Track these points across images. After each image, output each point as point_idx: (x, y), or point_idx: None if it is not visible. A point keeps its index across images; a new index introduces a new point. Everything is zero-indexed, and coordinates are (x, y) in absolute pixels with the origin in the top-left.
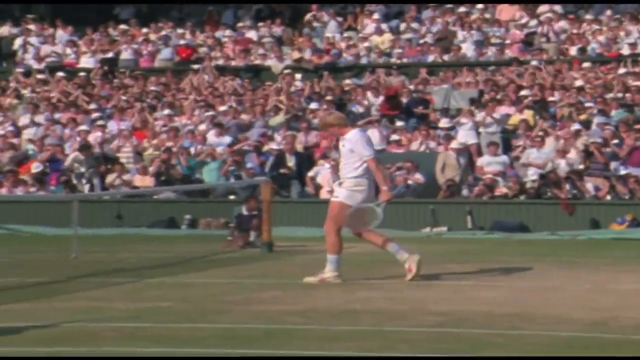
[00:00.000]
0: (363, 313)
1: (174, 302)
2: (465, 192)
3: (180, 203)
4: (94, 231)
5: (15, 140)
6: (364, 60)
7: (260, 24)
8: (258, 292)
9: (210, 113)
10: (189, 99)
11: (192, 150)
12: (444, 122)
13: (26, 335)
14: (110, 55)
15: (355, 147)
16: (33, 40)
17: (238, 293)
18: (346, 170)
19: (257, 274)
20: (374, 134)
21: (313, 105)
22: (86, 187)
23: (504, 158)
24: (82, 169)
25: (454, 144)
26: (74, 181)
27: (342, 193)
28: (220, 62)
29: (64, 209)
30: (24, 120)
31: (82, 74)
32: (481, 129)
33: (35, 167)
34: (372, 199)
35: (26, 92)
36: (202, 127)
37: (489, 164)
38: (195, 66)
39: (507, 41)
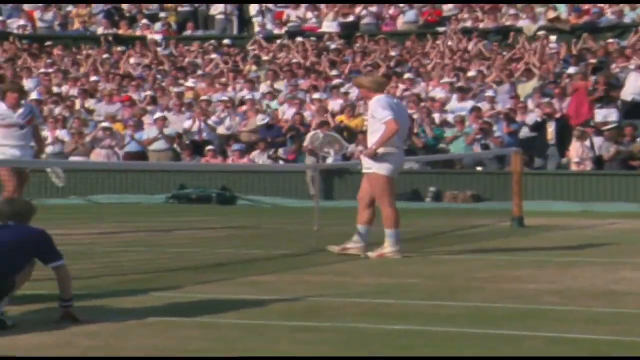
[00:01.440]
0: (627, 295)
1: (420, 278)
2: None
3: (424, 174)
4: (334, 203)
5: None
6: (627, 19)
7: None
8: (509, 269)
9: (453, 79)
10: (433, 63)
11: (436, 117)
12: None
13: (271, 308)
14: (351, 19)
15: (374, 112)
16: (271, 5)
17: (487, 270)
18: (373, 138)
19: (506, 250)
20: None
21: (571, 70)
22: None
23: None
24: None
25: None
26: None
27: (373, 164)
28: (468, 24)
29: (302, 179)
30: (264, 87)
31: (321, 38)
32: None
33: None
34: (402, 165)
35: (267, 58)
36: (443, 93)
37: None
38: (441, 29)
39: None
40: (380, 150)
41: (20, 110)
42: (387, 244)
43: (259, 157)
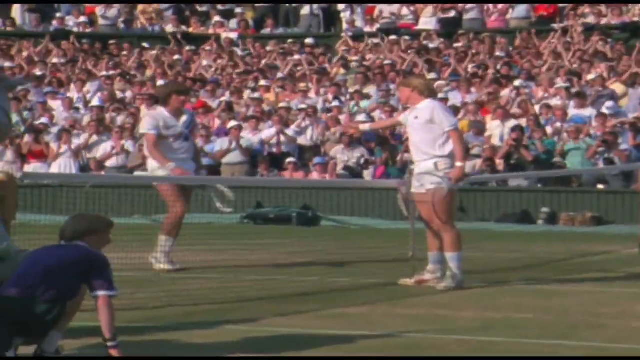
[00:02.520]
0: None
1: (532, 312)
2: None
3: (536, 193)
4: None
5: (341, 117)
6: None
7: None
8: (636, 303)
9: (566, 84)
10: (546, 65)
11: (549, 128)
12: None
13: (361, 344)
14: (452, 14)
15: (436, 117)
16: None
17: (610, 304)
18: (428, 147)
19: (633, 281)
20: None
21: None
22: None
23: None
24: None
25: None
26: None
27: (440, 178)
28: (590, 19)
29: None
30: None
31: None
32: None
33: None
34: None
35: (355, 59)
36: (559, 100)
37: None
38: (557, 25)
39: None
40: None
41: (184, 118)
42: (452, 271)
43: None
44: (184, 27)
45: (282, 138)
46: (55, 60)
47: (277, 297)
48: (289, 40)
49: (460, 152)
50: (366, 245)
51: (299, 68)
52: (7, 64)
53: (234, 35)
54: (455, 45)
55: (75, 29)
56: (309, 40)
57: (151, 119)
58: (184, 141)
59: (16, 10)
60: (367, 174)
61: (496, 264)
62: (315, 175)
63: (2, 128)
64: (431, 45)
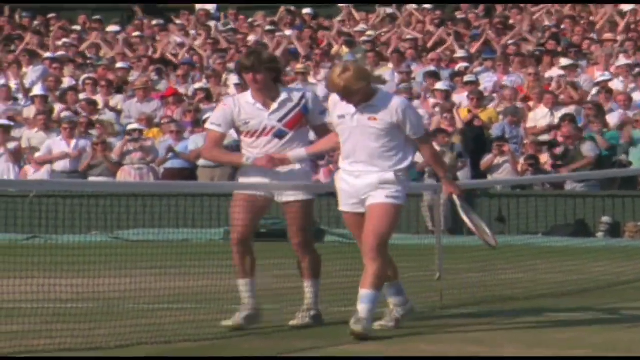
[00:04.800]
0: None
1: (589, 348)
2: None
3: (594, 198)
4: (462, 239)
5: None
6: None
7: None
8: None
9: (630, 61)
10: (604, 41)
11: (610, 117)
12: None
13: None
14: None
15: None
16: None
17: None
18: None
19: None
20: None
21: None
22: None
23: None
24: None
25: None
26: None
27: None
28: None
29: (417, 206)
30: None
31: None
32: None
33: None
34: None
35: (364, 35)
36: (620, 83)
37: None
38: None
39: None
40: None
41: None
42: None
43: None
44: None
45: None
46: None
47: (270, 333)
48: (281, 11)
49: None
50: None
51: (291, 46)
52: None
53: (211, 7)
54: (492, 15)
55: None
56: (306, 11)
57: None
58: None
59: None
60: None
61: (545, 287)
62: (321, 179)
63: None
64: (459, 16)
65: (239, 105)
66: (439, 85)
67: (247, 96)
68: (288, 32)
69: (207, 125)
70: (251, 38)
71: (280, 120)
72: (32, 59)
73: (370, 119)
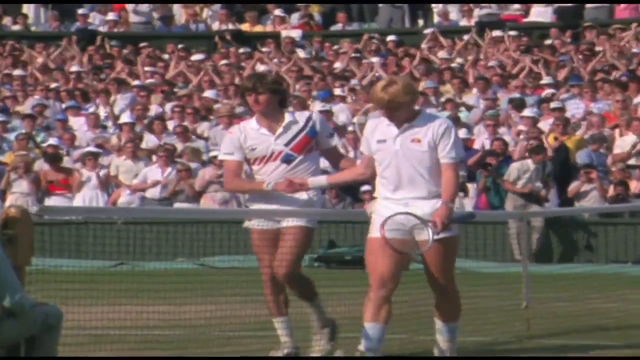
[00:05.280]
0: None
1: None
2: None
3: None
4: (551, 268)
5: None
6: None
7: None
8: None
9: None
10: None
11: None
12: None
13: None
14: (572, 3)
15: None
16: None
17: None
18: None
19: None
20: None
21: None
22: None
23: None
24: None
25: None
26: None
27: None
28: None
29: (503, 233)
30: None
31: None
32: None
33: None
34: None
35: (438, 58)
36: None
37: None
38: None
39: None
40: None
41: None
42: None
43: None
44: (235, 25)
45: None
46: (76, 68)
47: None
48: (364, 38)
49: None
50: (466, 294)
51: (377, 74)
52: (16, 72)
53: (296, 34)
54: (579, 41)
55: (101, 29)
56: (390, 38)
57: None
58: None
59: (29, 6)
60: (465, 204)
61: (636, 317)
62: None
63: None
64: (547, 42)
65: (245, 132)
66: (526, 112)
67: (252, 122)
68: (374, 59)
69: (220, 157)
70: (337, 65)
71: (287, 144)
72: (120, 86)
73: (414, 141)
